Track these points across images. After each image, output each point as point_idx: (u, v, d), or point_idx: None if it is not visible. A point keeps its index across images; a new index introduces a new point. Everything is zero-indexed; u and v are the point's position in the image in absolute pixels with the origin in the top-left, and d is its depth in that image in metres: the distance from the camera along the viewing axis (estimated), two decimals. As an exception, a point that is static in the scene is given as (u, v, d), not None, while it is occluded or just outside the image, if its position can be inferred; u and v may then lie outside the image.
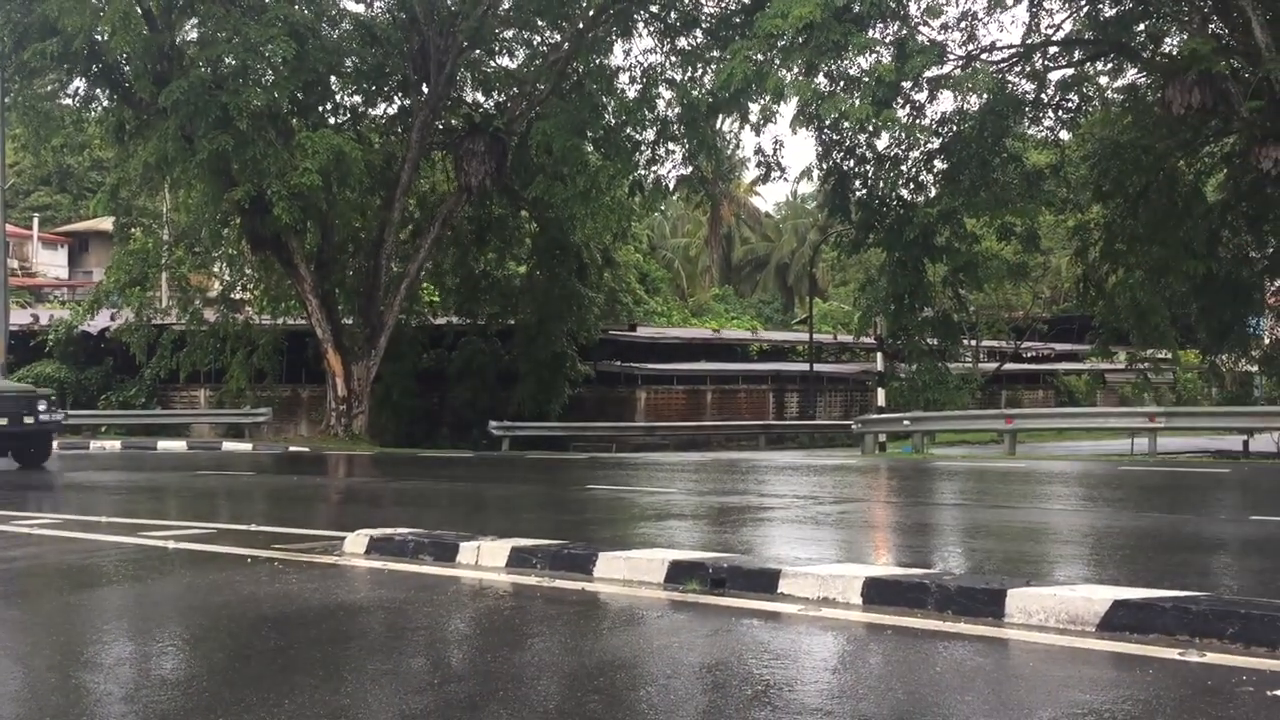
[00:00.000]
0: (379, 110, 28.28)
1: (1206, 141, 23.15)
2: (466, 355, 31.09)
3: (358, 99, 27.68)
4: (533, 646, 5.15)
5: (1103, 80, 24.20)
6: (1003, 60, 22.39)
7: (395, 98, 27.58)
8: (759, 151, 30.32)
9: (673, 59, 25.29)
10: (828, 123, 20.73)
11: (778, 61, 18.71)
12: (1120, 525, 9.37)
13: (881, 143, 22.83)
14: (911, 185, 24.08)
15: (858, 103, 18.72)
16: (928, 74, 20.43)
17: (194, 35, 24.22)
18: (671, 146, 25.90)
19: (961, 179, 22.27)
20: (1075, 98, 22.84)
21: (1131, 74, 23.33)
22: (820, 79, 19.22)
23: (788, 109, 19.87)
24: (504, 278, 31.37)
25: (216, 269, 30.42)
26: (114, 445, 24.34)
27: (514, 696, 4.27)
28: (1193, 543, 8.35)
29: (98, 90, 24.84)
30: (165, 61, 22.86)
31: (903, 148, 23.15)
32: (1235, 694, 4.15)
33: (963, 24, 21.98)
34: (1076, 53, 23.09)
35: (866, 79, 18.93)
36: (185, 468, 18.32)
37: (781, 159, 31.11)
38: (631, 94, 25.48)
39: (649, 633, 5.46)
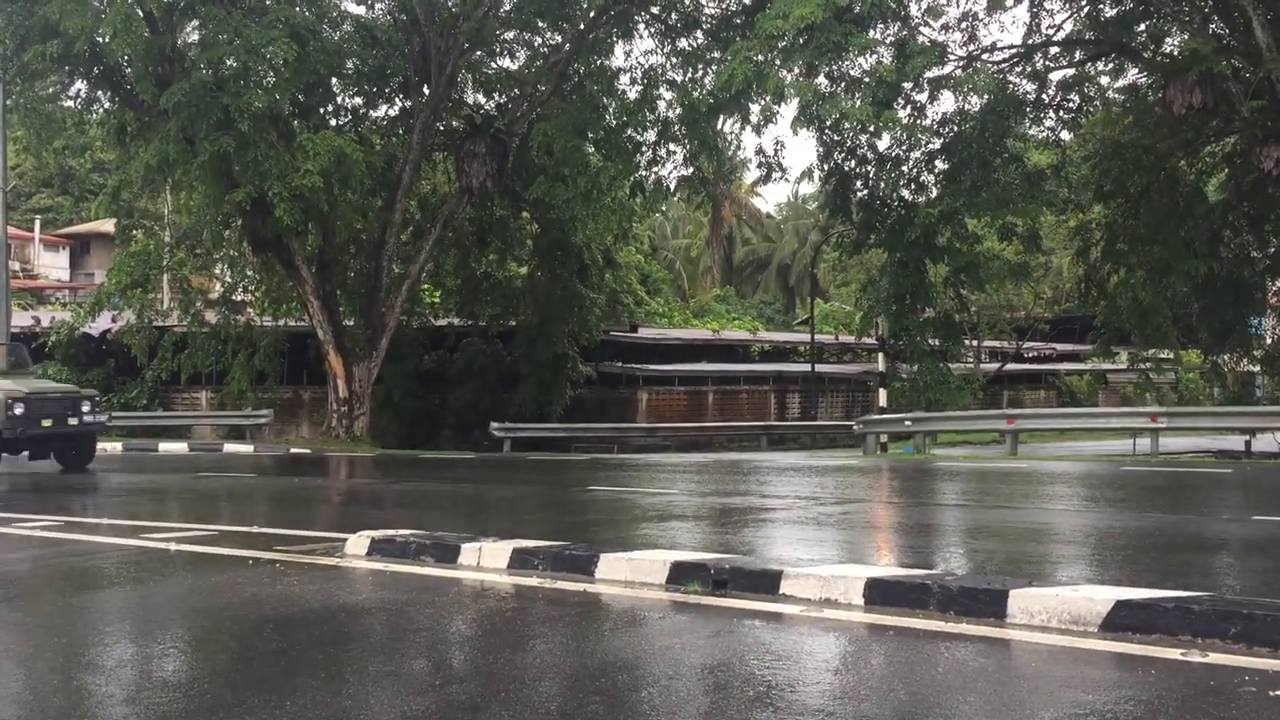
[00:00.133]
0: (380, 112, 28.32)
1: (1208, 141, 23.14)
2: (468, 356, 31.07)
3: (359, 100, 27.70)
4: (534, 648, 5.15)
5: (1104, 80, 24.28)
6: (1004, 60, 22.41)
7: (396, 99, 27.57)
8: (760, 152, 30.27)
9: (673, 60, 25.27)
10: (829, 123, 20.73)
11: (778, 62, 18.70)
12: (1122, 525, 9.36)
13: (883, 143, 22.90)
14: (913, 186, 24.09)
15: (859, 103, 18.75)
16: (929, 74, 20.45)
17: (195, 37, 24.18)
18: (672, 147, 25.85)
19: (963, 179, 22.28)
20: (1076, 98, 22.84)
21: (1132, 74, 23.39)
22: (821, 80, 19.21)
23: (789, 110, 19.89)
24: (505, 279, 31.34)
25: (218, 271, 30.37)
26: (115, 447, 24.29)
27: (516, 698, 4.27)
28: (1195, 543, 8.34)
29: (99, 92, 24.86)
30: (166, 63, 22.85)
31: (904, 148, 23.20)
32: (1238, 694, 4.14)
33: (963, 24, 22.04)
34: (1077, 53, 23.09)
35: (867, 80, 18.93)
36: (187, 469, 18.32)
37: (783, 160, 31.33)
38: (632, 95, 25.44)
39: (651, 634, 5.46)
